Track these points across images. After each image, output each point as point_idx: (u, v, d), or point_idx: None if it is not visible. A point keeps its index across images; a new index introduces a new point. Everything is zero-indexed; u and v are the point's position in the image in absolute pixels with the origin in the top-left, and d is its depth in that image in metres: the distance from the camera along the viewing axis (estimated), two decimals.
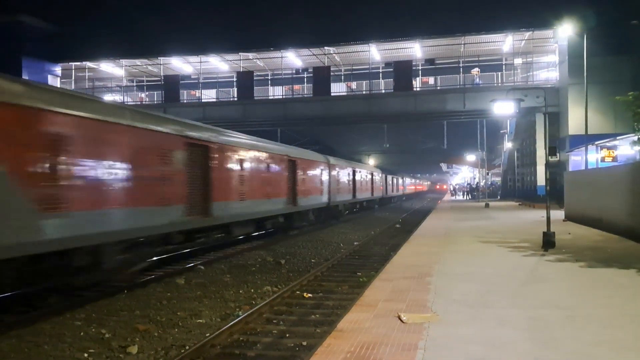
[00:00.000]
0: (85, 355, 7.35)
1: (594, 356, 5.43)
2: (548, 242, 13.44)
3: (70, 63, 43.38)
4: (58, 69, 43.58)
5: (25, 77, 35.81)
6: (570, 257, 12.17)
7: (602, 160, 24.95)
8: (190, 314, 9.48)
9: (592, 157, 25.65)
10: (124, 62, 43.06)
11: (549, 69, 39.21)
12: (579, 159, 29.02)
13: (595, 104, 29.91)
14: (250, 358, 7.28)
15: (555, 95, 34.40)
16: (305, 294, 11.03)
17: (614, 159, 24.91)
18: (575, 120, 31.51)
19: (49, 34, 42.64)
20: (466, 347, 5.73)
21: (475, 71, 39.55)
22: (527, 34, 36.35)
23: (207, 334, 8.10)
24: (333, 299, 10.73)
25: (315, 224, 26.08)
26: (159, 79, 44.26)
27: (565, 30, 28.41)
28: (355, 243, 20.48)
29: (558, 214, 22.38)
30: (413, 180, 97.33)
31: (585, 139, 25.49)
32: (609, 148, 25.15)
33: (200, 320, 9.15)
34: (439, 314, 7.08)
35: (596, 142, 25.34)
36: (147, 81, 46.98)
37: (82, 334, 8.23)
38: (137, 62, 43.35)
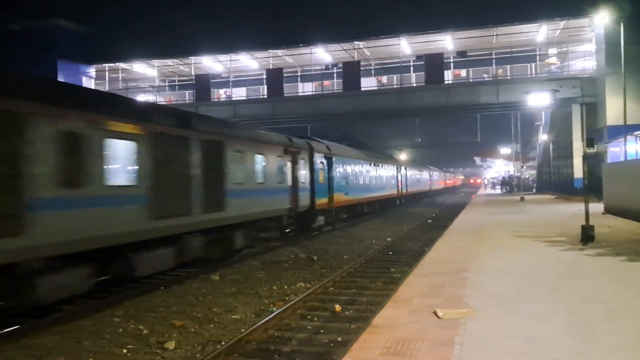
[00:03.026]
0: (124, 351, 7.50)
1: (636, 351, 5.29)
2: (587, 236, 13.11)
3: (104, 64, 44.23)
4: (92, 71, 44.48)
5: (60, 79, 36.67)
6: (610, 250, 11.88)
7: None
8: (226, 310, 9.59)
9: (632, 148, 24.89)
10: (155, 62, 43.67)
11: (585, 59, 38.12)
12: (617, 150, 28.18)
13: (634, 93, 28.99)
14: (286, 353, 7.32)
15: (592, 85, 33.43)
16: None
17: None
18: (613, 110, 30.54)
19: (83, 37, 43.55)
20: (503, 342, 5.64)
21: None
22: (562, 23, 35.38)
23: (242, 330, 8.19)
24: (367, 295, 10.70)
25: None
26: (190, 78, 44.74)
27: (602, 19, 27.64)
28: (388, 239, 20.39)
29: (596, 207, 21.86)
30: (451, 175, 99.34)
31: (624, 130, 24.77)
32: None
33: (235, 316, 9.24)
34: (476, 309, 6.99)
35: (635, 133, 24.54)
36: (179, 81, 47.57)
37: (120, 330, 8.40)
38: (169, 62, 43.85)
